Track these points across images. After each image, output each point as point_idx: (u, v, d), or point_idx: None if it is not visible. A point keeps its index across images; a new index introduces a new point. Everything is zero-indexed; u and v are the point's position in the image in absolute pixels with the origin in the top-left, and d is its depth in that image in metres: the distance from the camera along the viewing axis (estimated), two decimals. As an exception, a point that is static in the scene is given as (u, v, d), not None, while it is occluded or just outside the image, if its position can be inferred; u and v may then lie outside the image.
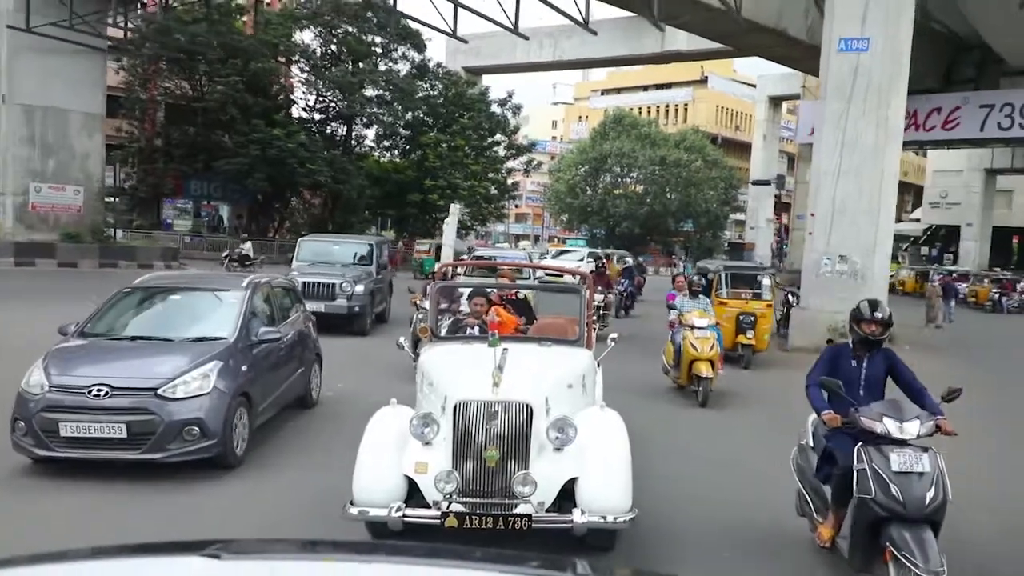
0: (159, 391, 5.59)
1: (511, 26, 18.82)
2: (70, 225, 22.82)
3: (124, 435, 5.46)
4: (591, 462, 4.29)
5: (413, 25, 33.20)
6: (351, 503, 4.20)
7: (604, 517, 4.13)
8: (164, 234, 34.47)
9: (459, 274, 13.64)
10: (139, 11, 29.54)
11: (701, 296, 9.87)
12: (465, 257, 20.22)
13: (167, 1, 29.16)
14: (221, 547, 1.25)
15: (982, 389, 9.19)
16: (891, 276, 38.37)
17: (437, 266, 9.10)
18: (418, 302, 9.72)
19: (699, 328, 8.90)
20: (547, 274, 12.98)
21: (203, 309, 6.99)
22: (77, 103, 22.81)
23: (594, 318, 8.06)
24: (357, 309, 13.12)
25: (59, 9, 21.25)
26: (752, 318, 12.09)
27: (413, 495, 4.22)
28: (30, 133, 22.28)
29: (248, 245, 25.24)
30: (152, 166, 35.81)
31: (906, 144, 41.66)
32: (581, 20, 17.81)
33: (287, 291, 8.27)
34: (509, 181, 44.23)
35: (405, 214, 39.82)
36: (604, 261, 21.30)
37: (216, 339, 6.31)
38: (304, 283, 12.21)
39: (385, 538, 4.25)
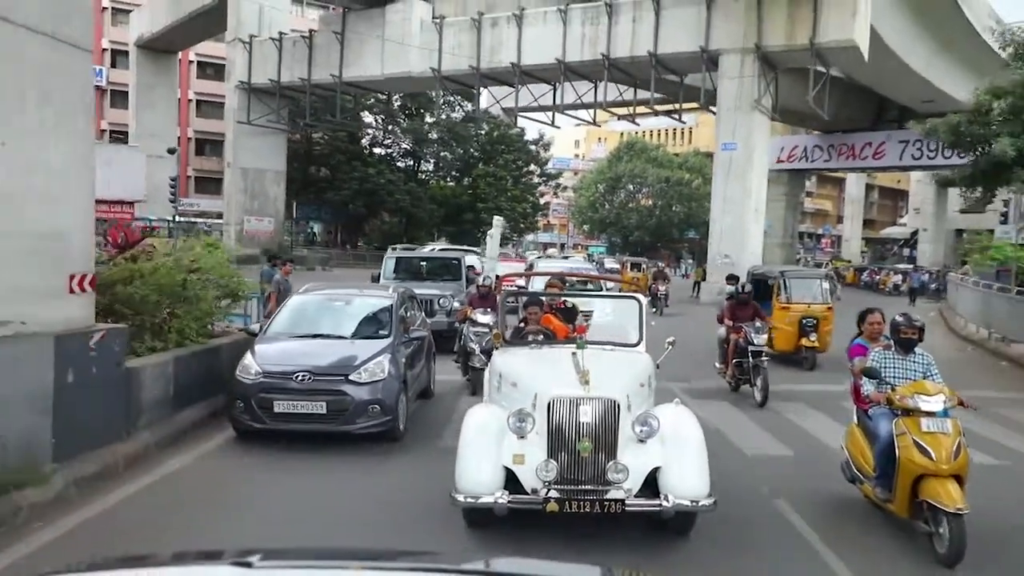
0: (349, 377, 7.32)
1: (550, 121, 33.58)
2: (266, 243, 37.83)
3: (324, 411, 7.19)
4: (672, 453, 4.97)
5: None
6: (455, 491, 4.89)
7: (690, 502, 4.80)
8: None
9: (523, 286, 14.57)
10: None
11: (918, 352, 5.64)
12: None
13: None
14: (252, 555, 1.31)
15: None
16: (843, 270, 52.32)
17: (500, 275, 11.33)
18: (469, 315, 10.28)
19: (928, 414, 5.05)
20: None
21: (364, 312, 8.78)
22: (270, 165, 37.96)
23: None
24: (458, 325, 12.22)
25: (262, 107, 36.39)
26: (814, 321, 12.97)
27: (507, 484, 4.85)
28: (244, 185, 37.35)
29: None
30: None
31: (845, 170, 56.28)
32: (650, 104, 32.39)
33: (411, 298, 9.82)
34: (541, 201, 58.94)
35: (461, 229, 54.58)
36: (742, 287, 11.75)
37: (380, 336, 8.13)
38: None
39: (484, 525, 5.11)
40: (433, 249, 20.83)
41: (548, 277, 11.61)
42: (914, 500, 5.04)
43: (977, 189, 19.65)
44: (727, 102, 27.88)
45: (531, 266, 22.34)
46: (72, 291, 6.33)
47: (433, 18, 32.50)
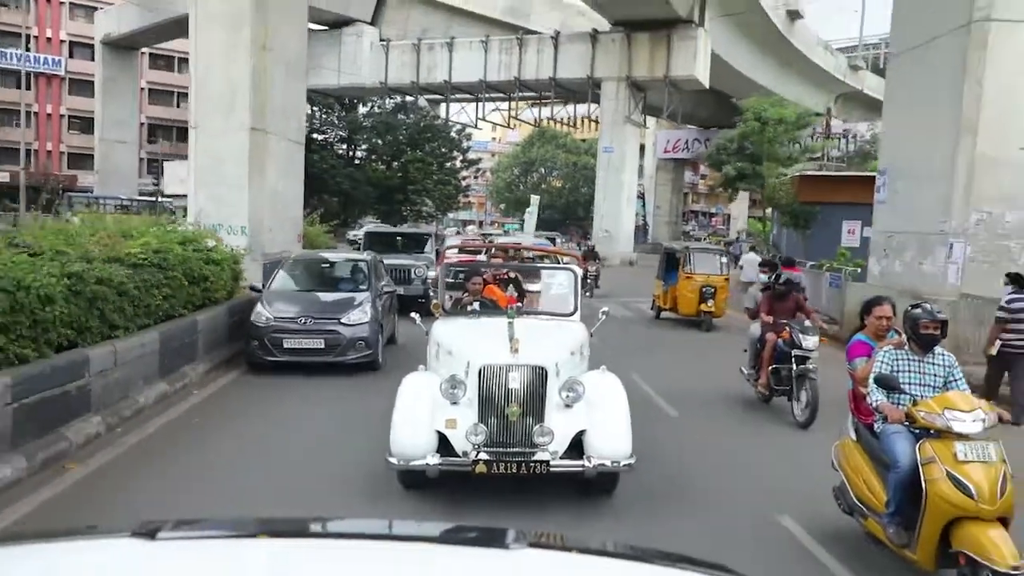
0: (341, 319, 9.90)
1: (473, 122, 44.04)
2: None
3: (322, 346, 9.78)
4: (597, 416, 5.47)
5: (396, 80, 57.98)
6: (389, 454, 5.34)
7: (610, 462, 5.31)
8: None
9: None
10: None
11: (938, 351, 4.81)
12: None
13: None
14: (156, 527, 1.32)
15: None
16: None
17: (443, 249, 13.24)
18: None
19: (961, 436, 4.17)
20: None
21: (347, 270, 11.66)
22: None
23: None
24: (432, 292, 13.97)
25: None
26: (712, 289, 15.21)
27: (441, 448, 5.34)
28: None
29: None
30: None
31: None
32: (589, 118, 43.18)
33: (380, 262, 12.57)
34: (463, 183, 69.24)
35: (392, 209, 64.48)
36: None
37: (361, 289, 10.78)
38: None
39: (418, 487, 5.62)
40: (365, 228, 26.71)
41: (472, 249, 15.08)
42: (945, 548, 4.01)
43: (730, 191, 31.76)
44: (607, 117, 39.08)
45: (491, 241, 23.37)
46: (298, 242, 16.57)
47: (380, 40, 42.41)
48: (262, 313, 9.99)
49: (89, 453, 6.66)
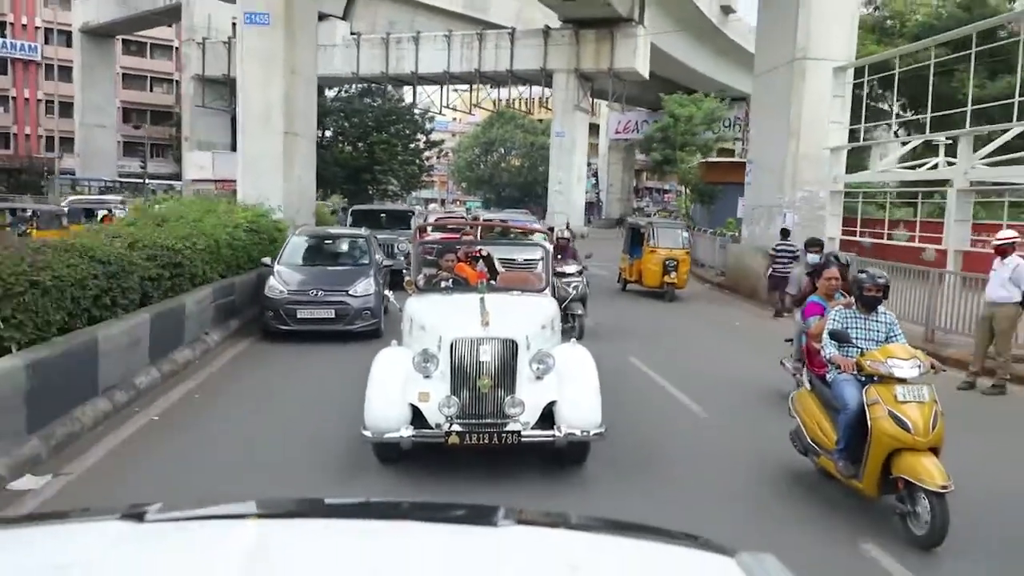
0: (348, 291, 11.05)
1: (438, 108, 49.24)
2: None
3: (333, 316, 10.95)
4: (567, 388, 5.70)
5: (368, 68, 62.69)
6: (364, 428, 5.56)
7: (580, 431, 5.52)
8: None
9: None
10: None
11: (880, 311, 5.59)
12: None
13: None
14: (144, 509, 1.33)
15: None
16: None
17: (417, 225, 13.93)
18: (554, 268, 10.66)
19: (902, 381, 4.96)
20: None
21: (348, 245, 12.83)
22: (218, 139, 51.53)
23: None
24: (406, 269, 13.61)
25: (211, 92, 49.76)
26: (675, 262, 16.48)
27: (414, 421, 5.56)
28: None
29: None
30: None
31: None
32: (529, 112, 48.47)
33: (375, 238, 13.86)
34: (427, 164, 74.27)
35: (360, 188, 69.32)
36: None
37: (363, 263, 12.12)
38: None
39: (392, 460, 5.81)
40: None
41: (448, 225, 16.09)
42: (886, 476, 4.87)
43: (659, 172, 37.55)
44: (558, 105, 44.55)
45: (476, 218, 24.44)
46: (312, 217, 21.79)
47: (351, 33, 47.21)
48: (276, 286, 11.36)
49: (253, 337, 11.87)
